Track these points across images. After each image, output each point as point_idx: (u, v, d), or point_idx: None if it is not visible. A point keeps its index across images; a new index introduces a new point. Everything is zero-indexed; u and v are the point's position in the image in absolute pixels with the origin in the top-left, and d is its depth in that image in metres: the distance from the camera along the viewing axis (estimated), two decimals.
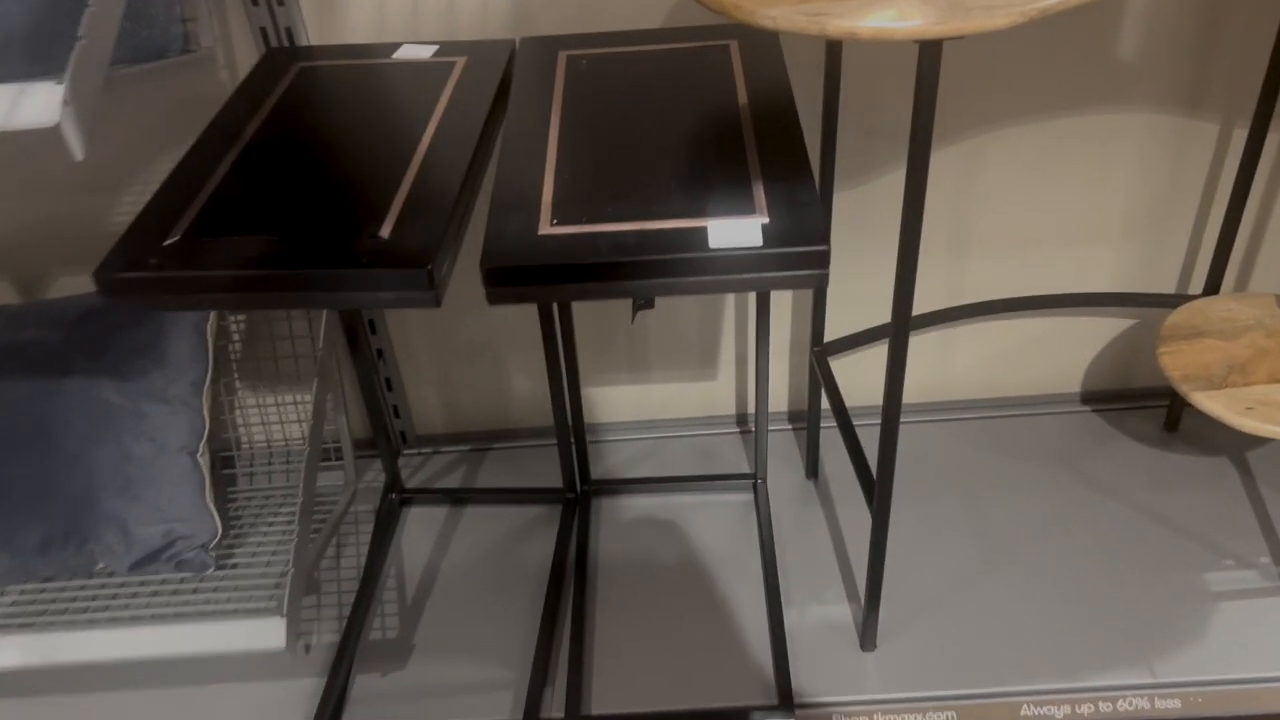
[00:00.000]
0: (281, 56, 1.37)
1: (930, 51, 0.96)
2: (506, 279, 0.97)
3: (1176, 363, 1.47)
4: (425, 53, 1.36)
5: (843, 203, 1.62)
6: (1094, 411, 1.84)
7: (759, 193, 1.04)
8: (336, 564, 1.67)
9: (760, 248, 0.96)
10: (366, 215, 1.01)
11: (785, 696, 1.44)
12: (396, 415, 1.85)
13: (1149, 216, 1.67)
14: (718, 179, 1.06)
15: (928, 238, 1.66)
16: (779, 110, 1.17)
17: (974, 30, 0.86)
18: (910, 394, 1.87)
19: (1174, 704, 1.44)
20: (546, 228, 1.00)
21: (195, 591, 1.36)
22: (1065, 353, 1.83)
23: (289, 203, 1.04)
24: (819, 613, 1.56)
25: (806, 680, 1.46)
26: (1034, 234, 1.68)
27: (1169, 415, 1.78)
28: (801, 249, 0.96)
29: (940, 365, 1.83)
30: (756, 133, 1.13)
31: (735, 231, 0.98)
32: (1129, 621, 1.51)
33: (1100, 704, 1.43)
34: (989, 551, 1.62)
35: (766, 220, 1.00)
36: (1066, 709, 1.43)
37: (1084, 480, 1.71)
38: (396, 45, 1.38)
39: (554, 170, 1.08)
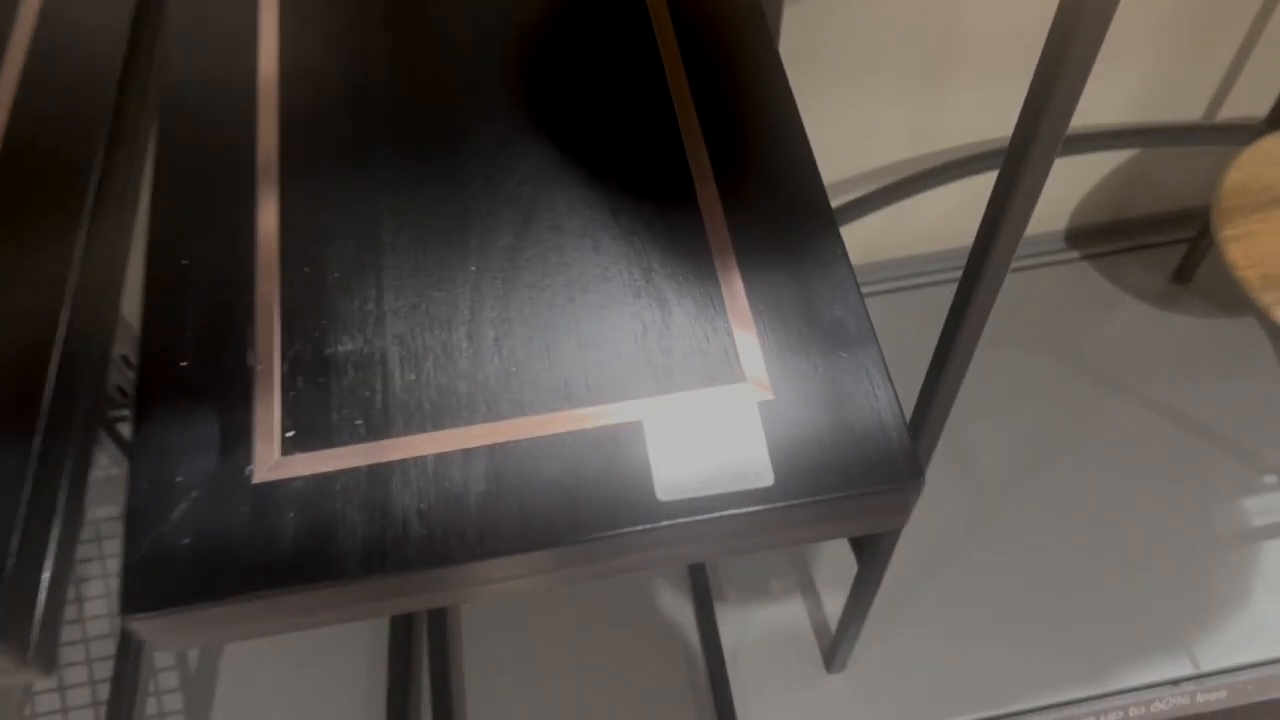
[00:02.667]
0: None
1: None
2: (172, 605, 0.49)
3: (1249, 254, 1.03)
4: None
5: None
6: (1084, 259, 1.41)
7: (734, 301, 0.55)
8: None
9: (771, 499, 0.50)
10: None
11: (726, 712, 1.10)
12: None
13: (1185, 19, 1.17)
14: (635, 270, 0.56)
15: (899, 64, 1.15)
16: (752, 74, 0.64)
17: None
18: (856, 254, 1.42)
19: (1219, 695, 1.14)
20: (270, 462, 0.51)
21: None
22: (1050, 186, 1.38)
23: None
24: (765, 619, 1.19)
25: (751, 691, 1.12)
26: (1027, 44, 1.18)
27: (1183, 263, 1.37)
28: (868, 491, 0.50)
29: (898, 217, 1.37)
30: (707, 135, 0.61)
31: (703, 443, 0.51)
32: (1155, 591, 1.17)
33: (1131, 710, 1.12)
34: (972, 503, 1.24)
35: (771, 395, 0.52)
36: (1090, 718, 1.12)
37: (1079, 371, 1.32)
38: None
39: (278, 267, 0.56)
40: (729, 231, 0.57)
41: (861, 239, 1.37)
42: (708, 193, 0.59)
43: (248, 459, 0.51)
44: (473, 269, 0.56)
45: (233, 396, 0.53)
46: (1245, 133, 1.21)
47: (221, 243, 0.58)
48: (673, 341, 0.54)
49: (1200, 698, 1.13)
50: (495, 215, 0.58)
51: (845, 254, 0.56)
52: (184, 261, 0.57)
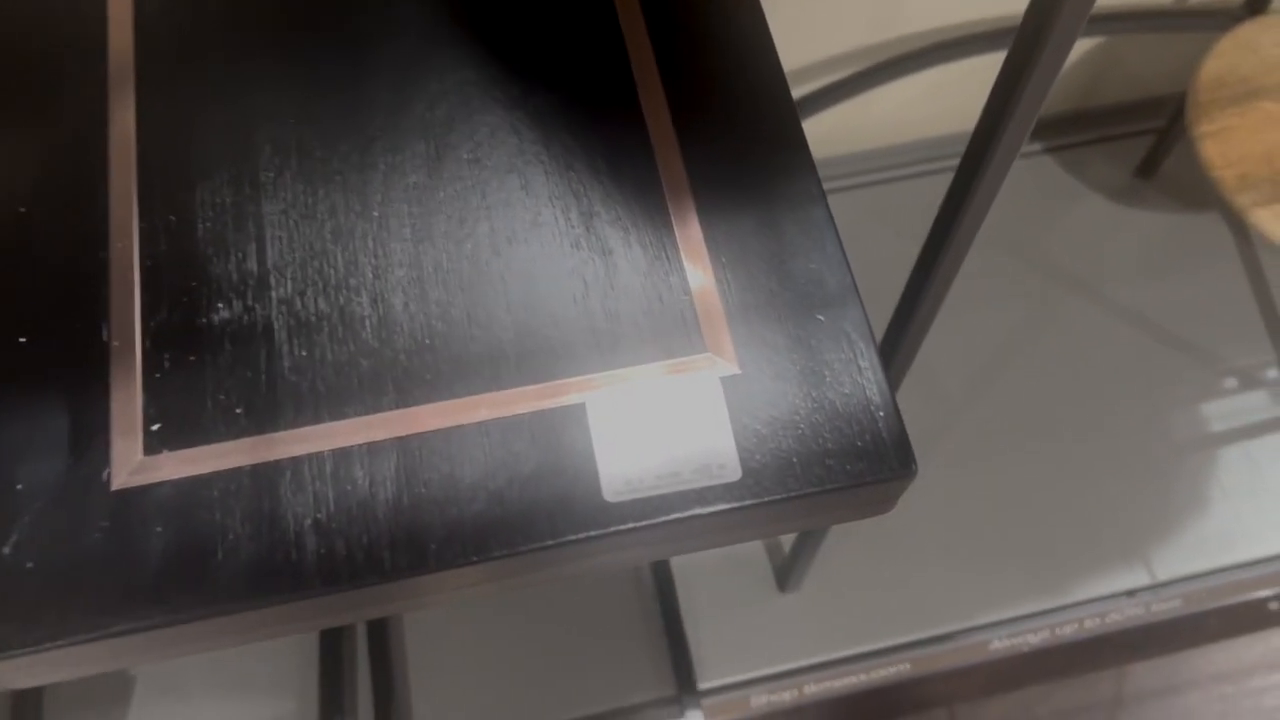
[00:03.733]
0: None
1: None
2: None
3: (1225, 152, 0.95)
4: None
5: None
6: (1046, 152, 1.32)
7: (691, 251, 0.45)
8: None
9: (739, 496, 0.41)
10: None
11: (686, 680, 1.05)
12: None
13: None
14: (573, 214, 0.46)
15: None
16: None
17: None
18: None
19: (1174, 604, 1.10)
20: (131, 463, 0.41)
21: None
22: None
23: None
24: None
25: (709, 650, 1.06)
26: None
27: (1148, 157, 1.28)
28: (851, 485, 0.41)
29: (856, 108, 1.26)
30: (656, 43, 0.50)
31: (658, 429, 0.42)
32: (1111, 499, 1.12)
33: (1086, 621, 1.09)
34: (925, 411, 1.17)
35: (736, 369, 0.43)
36: (1045, 634, 1.08)
37: (1036, 269, 1.24)
38: None
39: (136, 215, 0.46)
40: (684, 163, 0.47)
41: (813, 132, 1.27)
42: (658, 114, 0.49)
43: (104, 460, 0.41)
44: (375, 215, 0.46)
45: (84, 381, 0.43)
46: (1223, 18, 1.12)
47: (66, 184, 0.46)
48: (619, 304, 0.45)
49: (1155, 607, 1.10)
50: (402, 147, 0.48)
51: (821, 192, 0.47)
52: (20, 209, 0.46)
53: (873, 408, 0.42)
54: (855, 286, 0.45)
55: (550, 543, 0.40)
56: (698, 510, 0.41)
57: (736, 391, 0.43)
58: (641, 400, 0.42)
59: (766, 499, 0.41)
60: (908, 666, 1.06)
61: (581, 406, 0.42)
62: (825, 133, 1.25)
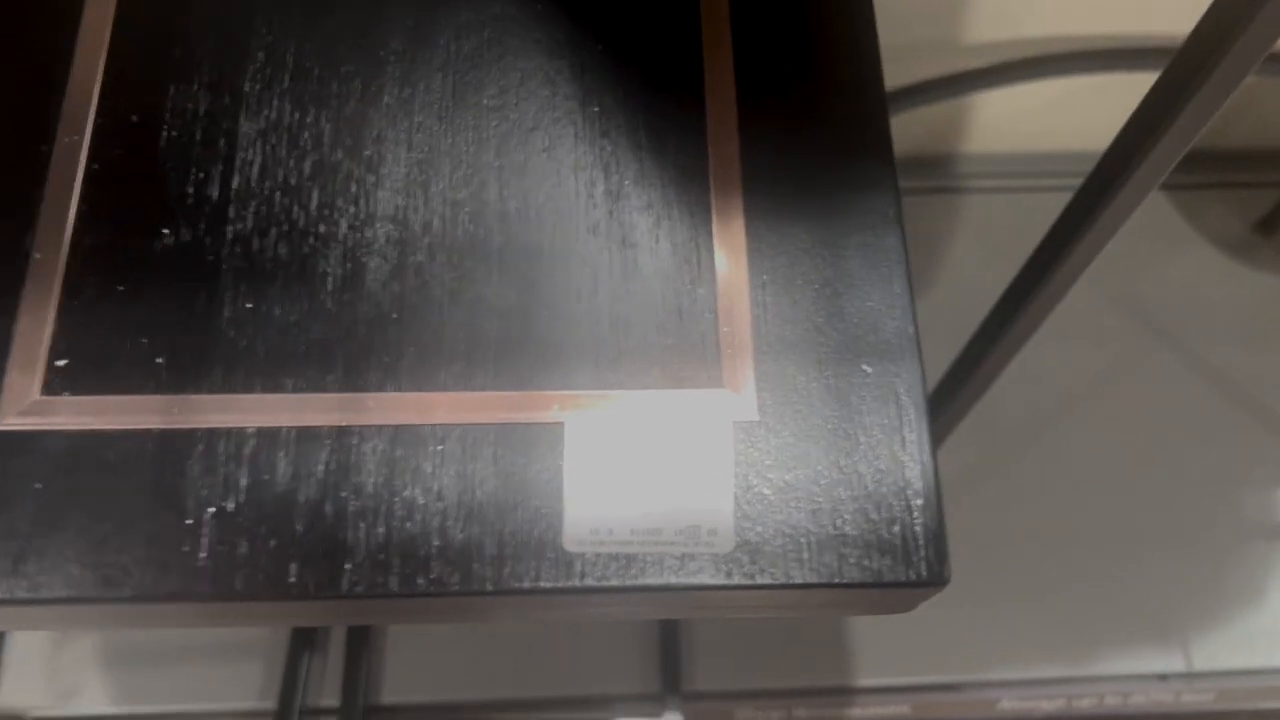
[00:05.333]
0: None
1: None
2: None
3: None
4: None
5: None
6: (1159, 189, 1.20)
7: (729, 259, 0.37)
8: None
9: (726, 573, 0.33)
10: None
11: (671, 680, 0.98)
12: None
13: None
14: (599, 191, 0.37)
15: None
16: None
17: None
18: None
19: (1206, 697, 1.01)
20: (25, 400, 0.34)
21: None
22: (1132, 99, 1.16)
23: None
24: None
25: (702, 653, 0.99)
26: None
27: (1272, 213, 1.16)
28: (863, 585, 0.33)
29: (949, 110, 1.15)
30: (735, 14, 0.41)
31: (644, 472, 0.34)
32: (1160, 573, 1.01)
33: (1108, 698, 0.99)
34: (978, 444, 1.07)
35: (755, 414, 0.35)
36: (1060, 703, 0.99)
37: (1126, 313, 1.13)
38: None
39: (94, 106, 0.38)
40: (740, 153, 0.39)
41: (902, 128, 1.16)
42: (721, 88, 0.40)
43: None
44: (366, 154, 0.38)
45: None
46: None
47: (21, 59, 0.39)
48: (631, 309, 0.36)
49: (1186, 697, 1.00)
50: (414, 80, 0.39)
51: (899, 215, 0.38)
52: None
53: (910, 493, 0.34)
54: (917, 339, 0.36)
55: (490, 590, 0.33)
56: (672, 580, 0.33)
57: (749, 442, 0.35)
58: (631, 432, 0.34)
59: (759, 582, 0.33)
60: (907, 709, 0.98)
61: (559, 427, 0.34)
62: (916, 128, 1.14)
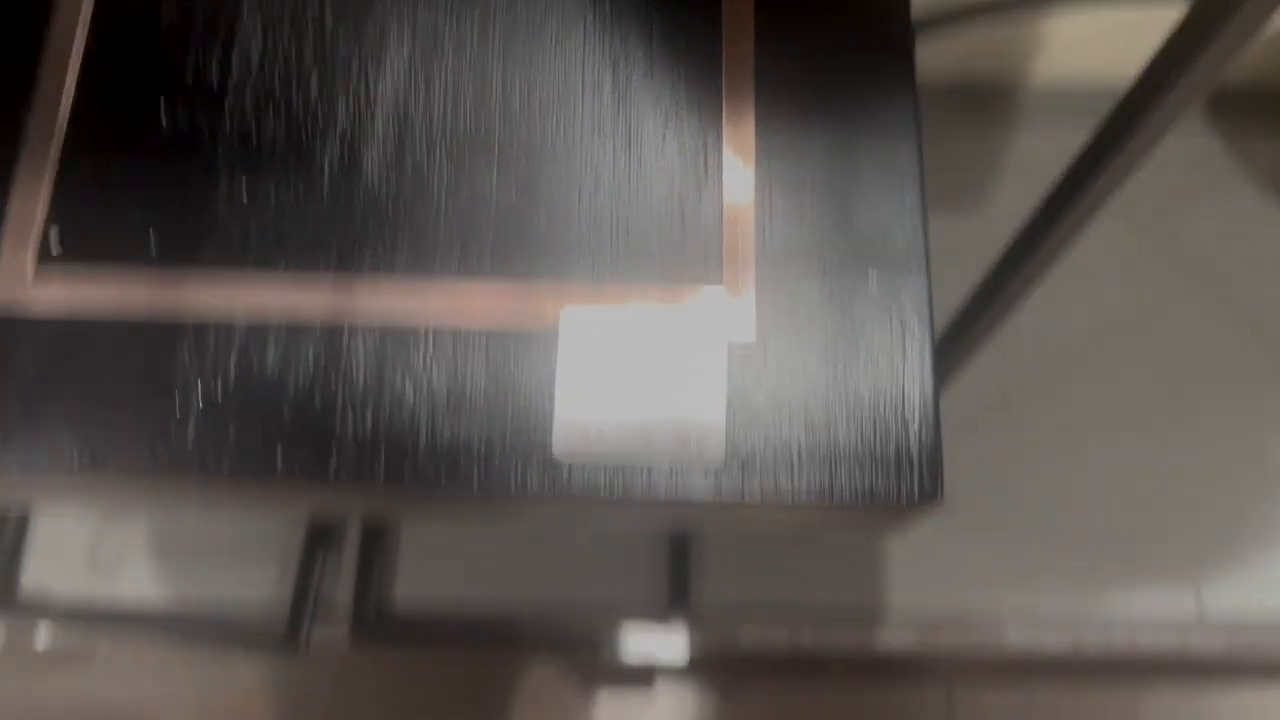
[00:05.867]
0: None
1: None
2: None
3: None
4: None
5: None
6: (1209, 127, 1.15)
7: (736, 157, 0.35)
8: None
9: (714, 486, 0.32)
10: None
11: (680, 592, 0.98)
12: None
13: None
14: (607, 85, 0.36)
15: None
16: None
17: None
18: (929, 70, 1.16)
19: (1216, 642, 1.00)
20: (17, 276, 0.34)
21: None
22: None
23: None
24: None
25: (712, 568, 0.99)
26: None
27: None
28: (855, 505, 0.32)
29: (981, 39, 1.11)
30: None
31: (638, 378, 0.33)
32: (1178, 516, 1.00)
33: (1115, 638, 0.99)
34: (1005, 375, 1.06)
35: (754, 323, 0.34)
36: (1067, 640, 0.99)
37: (1166, 254, 1.10)
38: None
39: (90, 16, 0.37)
40: (755, 51, 0.37)
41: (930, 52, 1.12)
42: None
43: None
44: (368, 37, 0.37)
45: None
46: None
47: None
48: (633, 208, 0.35)
49: (1195, 640, 0.99)
50: None
51: (918, 123, 0.36)
52: None
53: (908, 410, 0.33)
54: (927, 252, 0.35)
55: (476, 490, 0.32)
56: (659, 492, 0.32)
57: (745, 350, 0.34)
58: (626, 338, 0.34)
59: (747, 498, 0.32)
60: (914, 635, 0.98)
61: (554, 329, 0.33)
62: (958, 53, 1.11)
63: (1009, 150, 1.13)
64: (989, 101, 1.16)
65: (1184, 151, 1.14)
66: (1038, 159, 1.09)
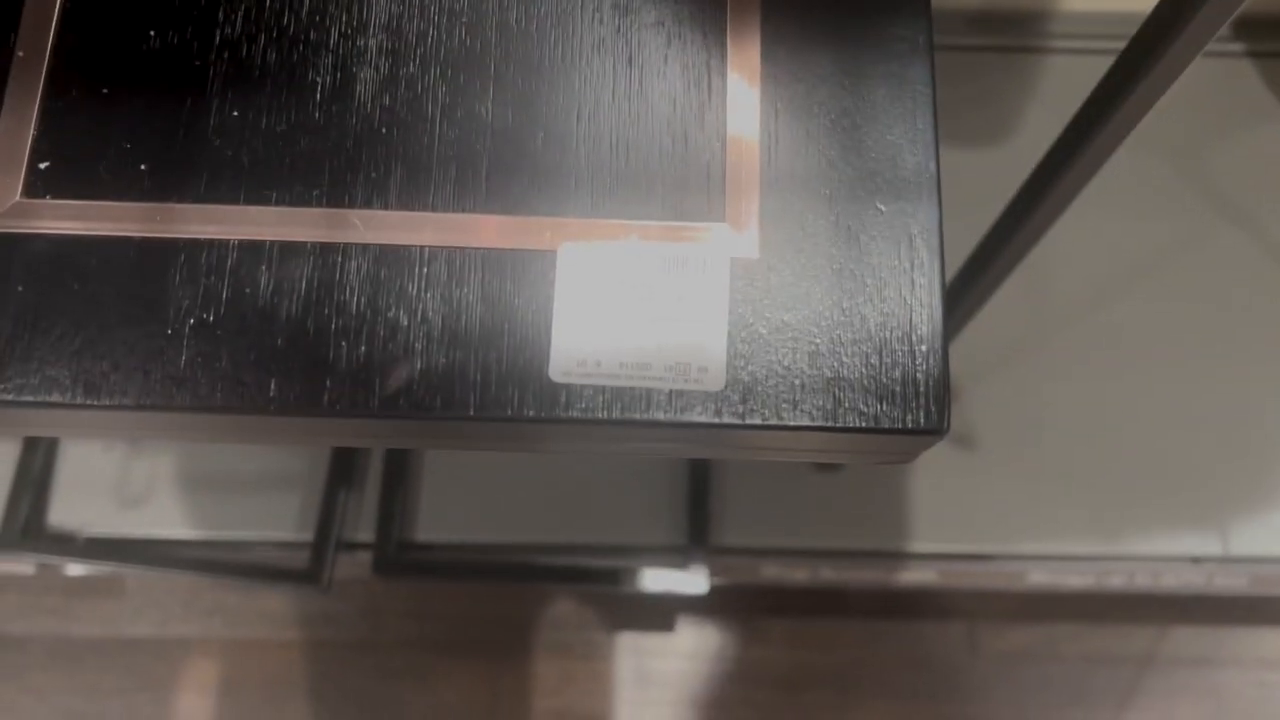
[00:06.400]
0: None
1: None
2: None
3: None
4: None
5: None
6: (1247, 55, 1.11)
7: (740, 84, 0.34)
8: None
9: (715, 411, 0.32)
10: None
11: (699, 532, 0.98)
12: None
13: None
14: (607, 4, 0.35)
15: None
16: None
17: None
18: None
19: (1239, 581, 0.99)
20: (7, 202, 0.33)
21: None
22: None
23: None
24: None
25: (731, 507, 0.99)
26: None
27: None
28: (859, 429, 0.32)
29: None
30: None
31: (636, 305, 0.32)
32: (1205, 456, 0.98)
33: (1138, 576, 0.98)
34: (1033, 312, 1.04)
35: (755, 251, 0.33)
36: (1090, 579, 0.98)
37: (1198, 188, 1.06)
38: None
39: None
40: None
41: None
42: None
43: None
44: None
45: None
46: None
47: None
48: (633, 133, 0.34)
49: (1218, 580, 0.98)
50: None
51: (930, 44, 0.35)
52: None
53: (915, 338, 0.32)
54: (938, 178, 0.33)
55: (472, 414, 0.32)
56: (658, 416, 0.32)
57: (747, 279, 0.33)
58: (624, 263, 0.33)
59: (748, 422, 0.31)
60: (934, 576, 0.98)
61: (551, 254, 0.33)
62: None
63: (1038, 82, 1.10)
64: (1014, 30, 1.12)
65: (1214, 81, 1.10)
66: (1068, 90, 1.06)
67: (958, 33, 1.05)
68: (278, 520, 0.96)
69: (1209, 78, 1.09)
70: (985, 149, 1.04)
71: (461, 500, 0.98)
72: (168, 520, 0.95)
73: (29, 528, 0.92)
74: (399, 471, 0.93)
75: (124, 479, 0.94)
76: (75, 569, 0.97)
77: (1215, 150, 1.07)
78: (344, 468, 0.93)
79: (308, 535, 0.93)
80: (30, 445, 0.91)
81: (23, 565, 0.97)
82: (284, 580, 0.92)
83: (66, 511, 0.94)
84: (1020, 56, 1.11)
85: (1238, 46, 1.12)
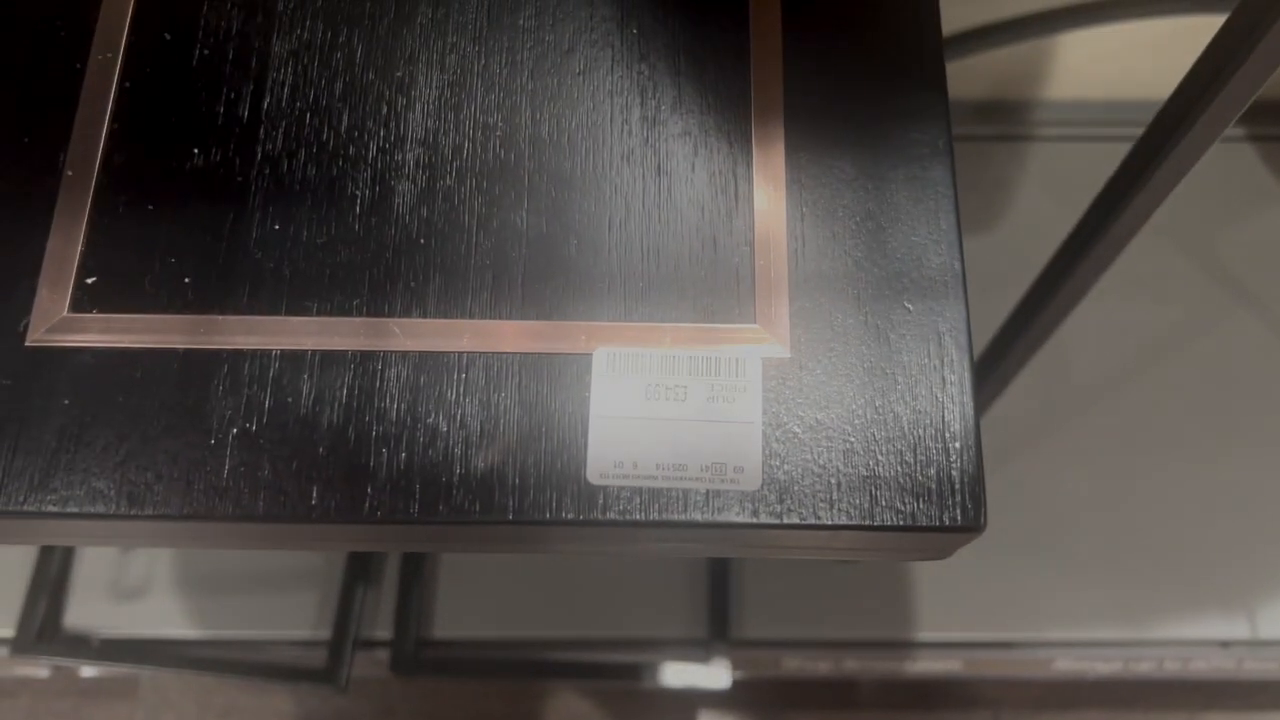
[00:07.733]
0: None
1: None
2: None
3: None
4: None
5: None
6: (1250, 139, 1.14)
7: (766, 190, 0.35)
8: None
9: (752, 511, 0.32)
10: None
11: (720, 626, 0.97)
12: None
13: None
14: (635, 115, 0.36)
15: None
16: None
17: None
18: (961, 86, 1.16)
19: (1270, 666, 0.97)
20: (53, 318, 0.34)
21: None
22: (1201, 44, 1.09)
23: None
24: None
25: (751, 600, 0.98)
26: None
27: None
28: (906, 525, 0.32)
29: (1012, 54, 1.10)
30: None
31: (672, 406, 0.32)
32: (1230, 539, 0.98)
33: (1166, 663, 0.96)
34: (1048, 394, 1.04)
35: (786, 351, 0.33)
36: (1117, 665, 0.96)
37: (1209, 270, 1.08)
38: None
39: (129, 20, 0.38)
40: (784, 77, 0.37)
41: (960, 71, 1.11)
42: (766, 8, 0.38)
43: (25, 308, 0.34)
44: (397, 76, 0.37)
45: (25, 210, 0.35)
46: None
47: None
48: (663, 239, 0.35)
49: (1248, 664, 0.97)
50: (455, 1, 0.38)
51: (949, 147, 0.36)
52: None
53: (949, 436, 0.32)
54: (964, 277, 0.34)
55: (511, 519, 0.32)
56: (695, 517, 0.32)
57: (780, 378, 0.33)
58: (658, 365, 0.33)
59: (785, 521, 0.32)
60: (959, 665, 0.97)
61: (586, 358, 0.33)
62: (989, 72, 1.10)
63: (1040, 168, 1.12)
64: (1018, 119, 1.14)
65: (1218, 166, 1.12)
66: (1070, 176, 1.08)
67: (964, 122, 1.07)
68: (294, 618, 0.95)
69: (1213, 162, 1.11)
70: (981, 235, 1.05)
71: (479, 595, 0.97)
72: (183, 620, 0.94)
73: (45, 630, 0.91)
74: (416, 567, 0.93)
75: (140, 579, 0.93)
76: (89, 670, 0.96)
77: (1221, 234, 1.09)
78: (361, 565, 0.92)
79: (325, 633, 0.92)
80: (48, 547, 0.91)
81: (38, 669, 0.96)
82: (301, 679, 0.91)
83: (82, 613, 0.93)
84: (1020, 145, 1.13)
85: (1239, 131, 1.14)
